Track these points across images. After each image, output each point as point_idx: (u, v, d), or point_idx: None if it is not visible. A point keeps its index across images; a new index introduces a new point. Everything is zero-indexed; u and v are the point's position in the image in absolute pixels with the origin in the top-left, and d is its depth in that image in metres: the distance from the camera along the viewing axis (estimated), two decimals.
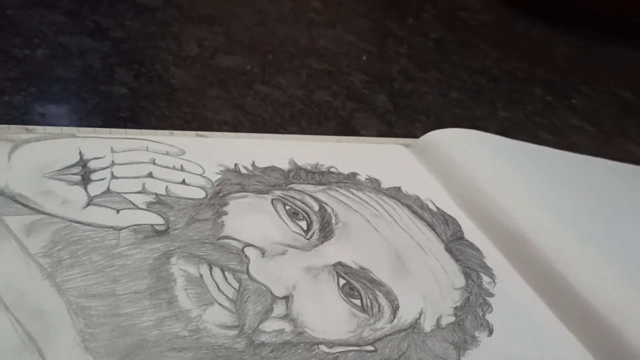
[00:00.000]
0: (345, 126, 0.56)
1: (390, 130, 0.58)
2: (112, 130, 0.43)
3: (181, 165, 0.41)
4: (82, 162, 0.38)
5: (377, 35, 0.80)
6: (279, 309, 0.34)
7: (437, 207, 0.46)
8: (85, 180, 0.37)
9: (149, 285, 0.32)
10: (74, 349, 0.28)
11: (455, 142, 0.53)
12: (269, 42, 0.66)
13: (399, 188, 0.47)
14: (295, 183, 0.44)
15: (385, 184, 0.47)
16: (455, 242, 0.43)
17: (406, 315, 0.36)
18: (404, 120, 0.61)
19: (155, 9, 0.64)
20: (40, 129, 0.41)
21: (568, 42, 0.99)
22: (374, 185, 0.46)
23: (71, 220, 0.34)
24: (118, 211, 0.36)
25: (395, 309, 0.36)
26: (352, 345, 0.33)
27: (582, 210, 0.52)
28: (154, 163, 0.40)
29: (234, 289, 0.34)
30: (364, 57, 0.71)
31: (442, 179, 0.50)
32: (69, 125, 0.43)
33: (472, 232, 0.46)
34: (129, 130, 0.43)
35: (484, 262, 0.43)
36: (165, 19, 0.63)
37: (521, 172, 0.52)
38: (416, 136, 0.59)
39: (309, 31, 0.72)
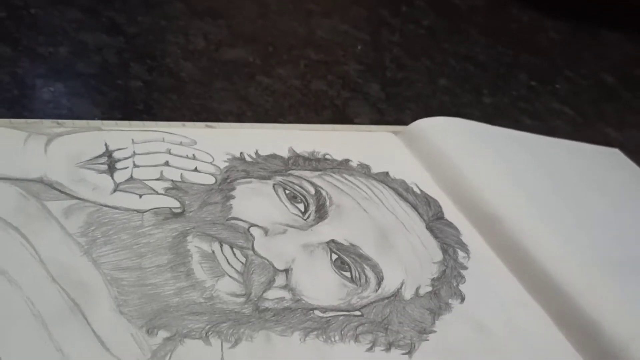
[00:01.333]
0: (340, 114, 0.61)
1: (381, 118, 0.64)
2: (132, 123, 0.48)
3: (193, 155, 0.47)
4: (108, 153, 0.44)
5: (372, 24, 0.84)
6: (280, 280, 0.39)
7: (420, 190, 0.52)
8: (111, 169, 0.43)
9: (169, 260, 0.38)
10: (111, 313, 0.34)
11: (440, 130, 0.58)
12: (269, 34, 0.71)
13: (387, 173, 0.52)
14: (294, 169, 0.49)
15: (374, 169, 0.52)
16: (435, 222, 0.49)
17: (389, 285, 0.42)
18: (395, 108, 0.66)
19: (164, 3, 0.69)
20: (69, 122, 0.46)
21: (557, 27, 1.03)
22: (364, 170, 0.52)
23: (101, 205, 0.40)
24: (140, 196, 0.42)
25: (380, 280, 0.42)
26: (342, 311, 0.39)
27: (551, 191, 0.57)
28: (169, 153, 0.46)
29: (242, 263, 0.39)
30: (359, 47, 0.76)
31: (427, 164, 0.56)
32: (93, 119, 0.48)
33: (451, 212, 0.52)
34: (146, 123, 0.49)
35: (461, 239, 0.48)
36: (173, 12, 0.67)
37: (499, 157, 0.57)
38: (406, 123, 0.64)
39: (307, 22, 0.77)
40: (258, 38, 0.70)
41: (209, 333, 0.35)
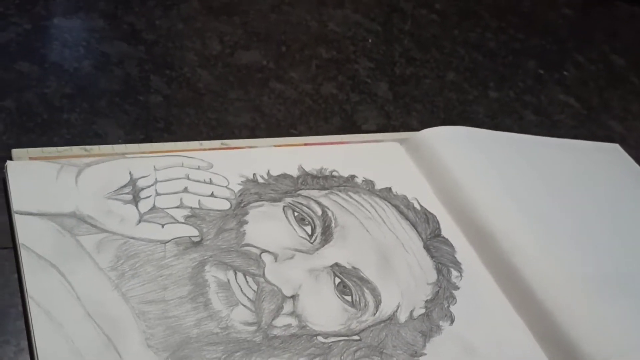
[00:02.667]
0: (348, 121, 0.64)
1: (387, 123, 0.66)
2: (153, 145, 0.52)
3: (210, 179, 0.51)
4: (132, 182, 0.48)
5: (383, 11, 0.85)
6: (288, 306, 0.44)
7: (420, 206, 0.56)
8: (135, 199, 0.47)
9: (189, 291, 0.43)
10: (140, 347, 0.39)
11: (443, 141, 0.61)
12: (282, 31, 0.73)
13: (390, 189, 0.56)
14: (302, 189, 0.53)
15: (379, 184, 0.56)
16: (432, 240, 0.53)
17: (386, 309, 0.46)
18: (401, 109, 0.69)
19: (180, 2, 0.71)
20: (95, 148, 0.50)
21: (570, 2, 1.03)
22: (368, 187, 0.55)
23: (128, 237, 0.44)
24: (163, 226, 0.46)
25: (378, 304, 0.46)
26: (342, 336, 0.44)
27: (548, 199, 0.61)
28: (188, 178, 0.50)
29: (254, 290, 0.44)
30: (370, 41, 0.78)
31: (429, 175, 0.59)
32: (117, 141, 0.52)
33: (449, 227, 0.55)
34: (166, 144, 0.52)
35: (455, 257, 0.52)
36: (189, 13, 0.70)
37: (499, 168, 0.60)
38: (412, 126, 0.67)
39: (319, 14, 0.79)
40: (271, 36, 0.72)
41: None
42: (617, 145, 0.75)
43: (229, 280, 0.44)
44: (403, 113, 0.69)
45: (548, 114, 0.78)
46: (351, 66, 0.73)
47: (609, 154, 0.74)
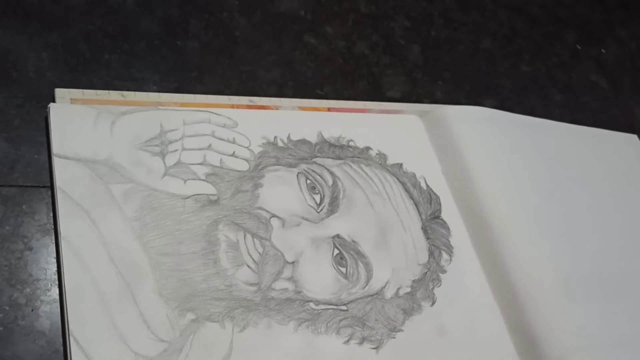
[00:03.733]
0: (374, 85, 0.66)
1: (412, 90, 0.68)
2: (185, 96, 0.55)
3: (234, 138, 0.54)
4: (162, 135, 0.51)
5: None
6: (287, 271, 0.49)
7: (427, 185, 0.59)
8: (163, 152, 0.51)
9: (202, 247, 0.47)
10: (153, 294, 0.44)
11: (461, 121, 0.63)
12: None
13: (401, 165, 0.59)
14: (318, 156, 0.56)
15: (391, 159, 0.59)
16: (431, 221, 0.56)
17: (375, 284, 0.51)
18: (429, 77, 0.70)
19: None
20: (131, 94, 0.53)
21: None
22: (381, 161, 0.58)
23: (153, 189, 0.48)
24: (185, 181, 0.50)
25: (369, 278, 0.51)
26: (332, 304, 0.49)
27: (555, 189, 0.63)
28: (213, 135, 0.53)
29: (259, 253, 0.49)
30: None
31: (441, 155, 0.62)
32: (152, 87, 0.55)
33: (450, 209, 0.59)
34: (197, 96, 0.55)
35: (449, 241, 0.56)
36: None
37: (513, 159, 0.62)
38: (435, 97, 0.69)
39: None
40: None
41: (225, 317, 0.45)
42: (635, 136, 0.76)
43: (238, 241, 0.49)
44: (430, 81, 0.71)
45: (575, 95, 0.79)
46: (387, 24, 0.73)
47: (626, 145, 0.75)
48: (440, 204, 0.59)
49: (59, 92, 0.51)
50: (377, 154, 0.59)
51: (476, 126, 0.64)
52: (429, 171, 0.61)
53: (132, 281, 0.45)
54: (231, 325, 0.46)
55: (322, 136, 0.58)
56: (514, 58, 0.79)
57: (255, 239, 0.50)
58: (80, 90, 0.52)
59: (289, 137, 0.57)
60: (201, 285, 0.47)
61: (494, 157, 0.62)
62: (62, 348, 0.41)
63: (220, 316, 0.46)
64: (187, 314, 0.45)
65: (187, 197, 0.50)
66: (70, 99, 0.51)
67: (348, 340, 0.48)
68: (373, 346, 0.49)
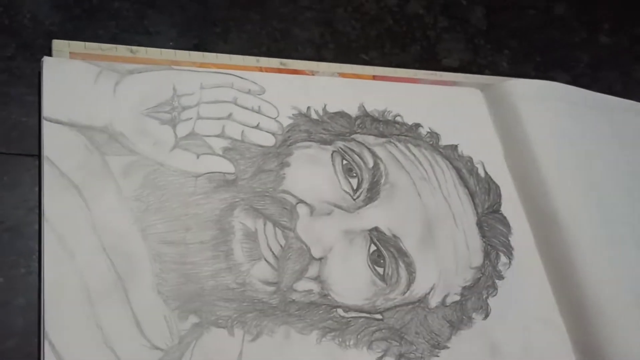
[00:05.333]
0: (428, 52, 0.57)
1: (473, 59, 0.59)
2: (206, 55, 0.47)
3: (259, 107, 0.46)
4: (174, 100, 0.44)
5: None
6: (313, 269, 0.41)
7: (485, 172, 0.50)
8: (174, 120, 0.43)
9: (213, 237, 0.40)
10: (149, 291, 0.37)
11: (530, 98, 0.53)
12: None
13: (456, 147, 0.50)
14: (358, 133, 0.48)
15: (444, 139, 0.50)
16: (488, 216, 0.48)
17: (418, 289, 0.43)
18: (492, 45, 0.60)
19: None
20: (142, 50, 0.45)
21: None
22: (432, 141, 0.49)
23: (159, 163, 0.41)
24: (198, 156, 0.42)
25: (411, 282, 0.43)
26: (364, 312, 0.41)
27: (631, 184, 0.53)
28: (235, 103, 0.45)
29: (280, 246, 0.41)
30: None
31: (504, 137, 0.52)
32: (168, 43, 0.47)
33: (511, 202, 0.50)
34: (220, 56, 0.47)
35: (508, 241, 0.47)
36: None
37: (587, 146, 0.53)
38: (500, 68, 0.59)
39: None
40: None
41: (235, 323, 0.38)
42: None
43: (256, 230, 0.41)
44: (493, 50, 0.61)
45: None
46: None
47: None
48: (500, 195, 0.50)
49: (57, 43, 0.43)
50: (428, 132, 0.50)
51: (547, 105, 0.54)
52: (489, 156, 0.51)
53: (126, 274, 0.37)
54: (242, 333, 0.38)
55: (364, 109, 0.50)
56: (592, 27, 0.68)
57: (277, 229, 0.42)
58: (82, 42, 0.44)
59: (324, 109, 0.48)
60: (209, 283, 0.39)
61: (567, 143, 0.53)
62: (36, 351, 0.35)
63: (229, 321, 0.38)
64: (190, 317, 0.37)
65: (200, 176, 0.42)
66: (70, 52, 0.43)
67: (382, 357, 0.40)
68: None
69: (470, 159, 0.50)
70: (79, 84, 0.42)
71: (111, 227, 0.38)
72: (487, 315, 0.44)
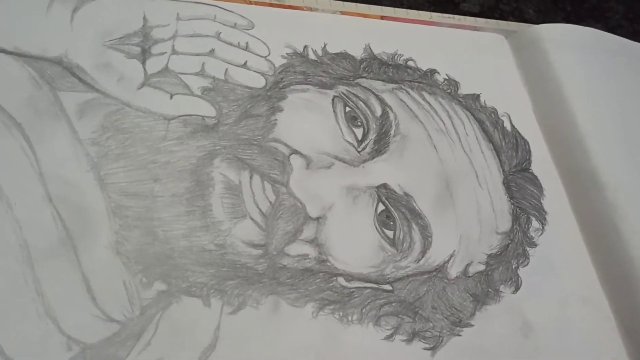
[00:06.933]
0: None
1: (495, 5, 0.52)
2: None
3: (246, 43, 0.39)
4: (145, 30, 0.37)
5: None
6: (309, 231, 0.34)
7: (512, 126, 0.43)
8: (144, 53, 0.36)
9: (187, 189, 0.33)
10: (106, 251, 0.30)
11: (560, 45, 0.46)
12: None
13: (478, 96, 0.43)
14: (364, 77, 0.41)
15: (464, 88, 0.43)
16: (516, 175, 0.41)
17: (435, 257, 0.36)
18: None
19: None
20: None
21: None
22: (450, 89, 0.43)
23: (124, 103, 0.34)
24: (172, 96, 0.36)
25: (426, 248, 0.36)
26: (370, 282, 0.34)
27: None
28: (218, 38, 0.38)
29: (270, 202, 0.34)
30: None
31: (532, 85, 0.46)
32: None
33: (542, 158, 0.43)
34: None
35: (541, 204, 0.40)
36: None
37: (625, 97, 0.46)
38: (525, 16, 0.52)
39: None
40: None
41: (211, 292, 0.31)
42: None
43: (240, 183, 0.34)
44: None
45: None
46: None
47: None
48: (529, 152, 0.43)
49: None
50: (445, 80, 0.43)
51: (581, 52, 0.47)
52: (516, 108, 0.44)
53: (77, 230, 0.30)
54: (220, 304, 0.31)
55: (371, 51, 0.43)
56: None
57: (265, 183, 0.35)
58: None
59: (324, 49, 0.41)
60: (180, 243, 0.32)
61: (606, 95, 0.45)
62: None
63: (204, 289, 0.31)
64: (155, 284, 0.30)
65: (173, 118, 0.35)
66: None
67: (391, 335, 0.34)
68: (428, 345, 0.34)
69: (494, 111, 0.43)
70: (28, 8, 0.35)
71: (61, 174, 0.31)
72: (517, 289, 0.37)
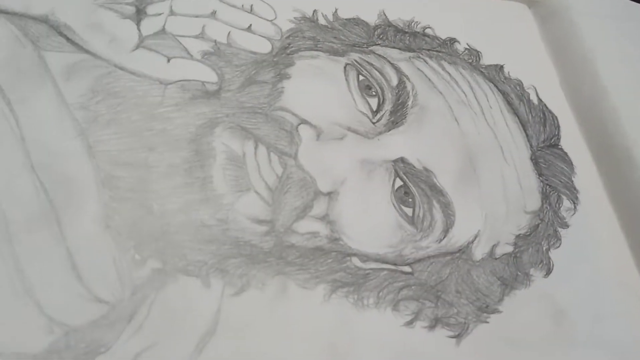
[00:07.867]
0: None
1: None
2: None
3: (251, 6, 0.36)
4: None
5: None
6: (320, 207, 0.31)
7: (539, 99, 0.40)
8: (139, 14, 0.33)
9: (185, 159, 0.30)
10: (94, 226, 0.27)
11: (589, 14, 0.43)
12: None
13: (501, 67, 0.40)
14: (378, 45, 0.38)
15: (487, 58, 0.40)
16: (545, 150, 0.38)
17: (458, 236, 0.33)
18: None
19: None
20: None
21: None
22: (472, 59, 0.39)
23: (116, 65, 0.31)
24: (169, 60, 0.33)
25: (448, 227, 0.33)
26: (387, 263, 0.31)
27: None
28: None
29: (276, 175, 0.31)
30: None
31: (558, 56, 0.42)
32: None
33: (572, 134, 0.40)
34: None
35: (572, 182, 0.37)
36: None
37: None
38: None
39: None
40: None
41: (211, 271, 0.28)
42: None
43: (244, 154, 0.31)
44: None
45: None
46: None
47: None
48: (558, 127, 0.40)
49: None
50: (466, 49, 0.40)
51: (611, 21, 0.44)
52: (542, 80, 0.41)
53: (62, 202, 0.27)
54: (221, 284, 0.28)
55: (386, 17, 0.39)
56: None
57: (271, 154, 0.31)
58: None
59: (335, 14, 0.38)
60: (177, 217, 0.29)
61: (638, 65, 0.43)
62: None
63: (204, 268, 0.28)
64: (149, 261, 0.27)
65: (170, 83, 0.32)
66: None
67: (412, 321, 0.31)
68: (452, 333, 0.31)
69: (519, 83, 0.40)
70: None
71: (44, 140, 0.28)
72: (548, 272, 0.34)
